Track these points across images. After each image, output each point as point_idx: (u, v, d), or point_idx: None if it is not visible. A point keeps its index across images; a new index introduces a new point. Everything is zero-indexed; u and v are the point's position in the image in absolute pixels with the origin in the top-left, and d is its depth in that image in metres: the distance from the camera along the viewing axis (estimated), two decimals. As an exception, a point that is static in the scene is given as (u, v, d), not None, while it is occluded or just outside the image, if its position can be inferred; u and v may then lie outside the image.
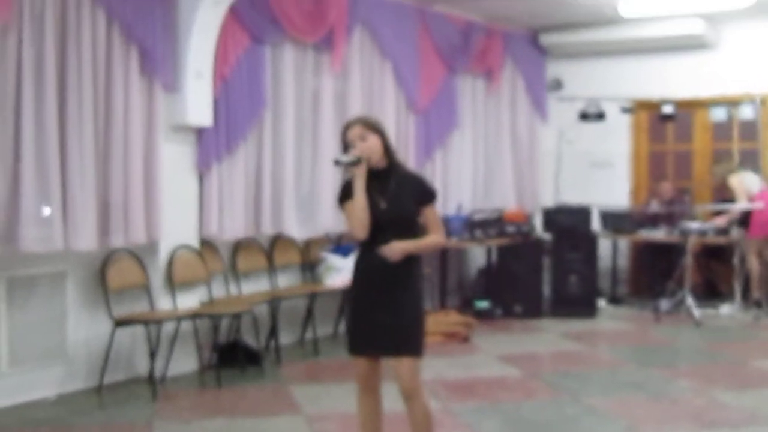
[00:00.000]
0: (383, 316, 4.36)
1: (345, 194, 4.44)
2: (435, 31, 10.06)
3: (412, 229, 4.43)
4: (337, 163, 4.57)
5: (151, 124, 7.04)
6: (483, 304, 10.14)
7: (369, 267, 4.44)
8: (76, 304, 6.82)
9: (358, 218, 4.37)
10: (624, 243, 11.44)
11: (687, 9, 10.03)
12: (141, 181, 6.93)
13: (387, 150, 4.45)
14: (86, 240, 6.48)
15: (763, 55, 10.78)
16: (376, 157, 4.41)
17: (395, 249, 4.30)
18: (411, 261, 4.41)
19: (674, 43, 11.06)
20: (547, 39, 11.68)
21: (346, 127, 4.49)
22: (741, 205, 10.04)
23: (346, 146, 4.45)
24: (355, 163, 4.38)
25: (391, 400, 4.66)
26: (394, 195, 4.41)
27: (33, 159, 6.15)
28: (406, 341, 4.37)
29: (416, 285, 4.45)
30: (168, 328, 7.16)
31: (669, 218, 10.65)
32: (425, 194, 4.48)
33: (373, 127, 4.44)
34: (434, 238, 4.48)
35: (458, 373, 7.39)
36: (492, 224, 10.37)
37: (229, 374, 7.26)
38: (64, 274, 6.72)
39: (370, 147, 4.39)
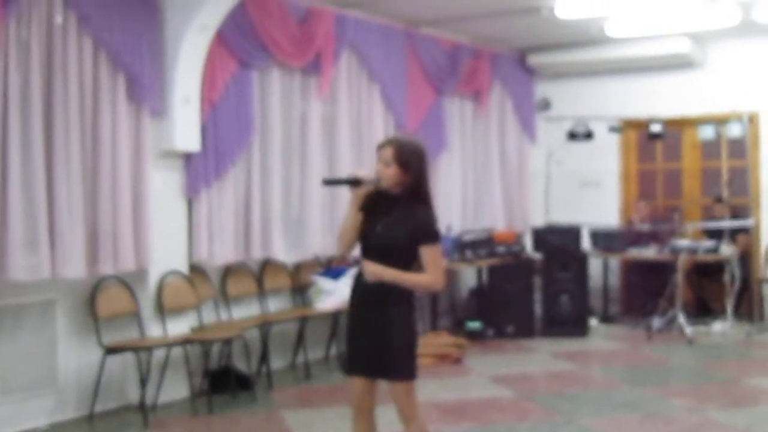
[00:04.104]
0: (371, 338, 4.32)
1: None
2: (423, 53, 10.08)
3: (402, 260, 4.29)
4: (326, 183, 4.58)
5: (139, 150, 7.01)
6: (475, 325, 10.12)
7: (358, 289, 4.43)
8: (65, 333, 6.77)
9: (342, 235, 4.40)
10: (615, 262, 11.43)
11: (673, 28, 10.07)
12: (129, 207, 6.89)
13: (407, 184, 4.33)
14: (75, 268, 6.44)
15: (750, 73, 10.82)
16: (389, 183, 4.33)
17: (370, 269, 4.26)
18: (398, 286, 4.31)
19: (661, 62, 11.12)
20: (535, 59, 11.73)
21: (381, 144, 4.39)
22: (733, 223, 10.09)
23: None
24: (353, 183, 4.33)
25: (388, 422, 4.63)
26: (390, 223, 4.32)
27: (20, 187, 6.10)
28: (396, 365, 4.30)
29: (404, 308, 4.34)
30: (158, 355, 7.12)
31: (657, 237, 10.66)
32: (423, 234, 4.29)
33: (401, 158, 4.30)
34: (422, 278, 4.31)
35: (450, 395, 7.35)
36: (482, 245, 10.36)
37: (220, 400, 7.22)
38: (53, 303, 6.68)
39: (384, 174, 4.31)
